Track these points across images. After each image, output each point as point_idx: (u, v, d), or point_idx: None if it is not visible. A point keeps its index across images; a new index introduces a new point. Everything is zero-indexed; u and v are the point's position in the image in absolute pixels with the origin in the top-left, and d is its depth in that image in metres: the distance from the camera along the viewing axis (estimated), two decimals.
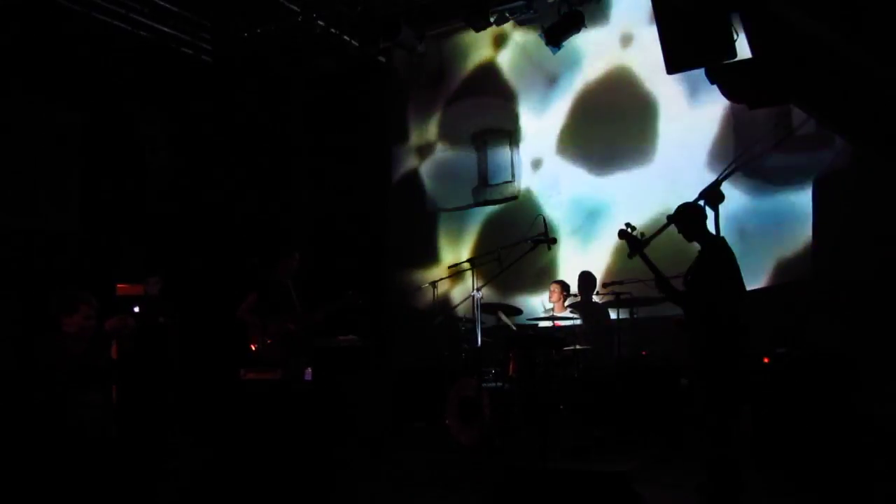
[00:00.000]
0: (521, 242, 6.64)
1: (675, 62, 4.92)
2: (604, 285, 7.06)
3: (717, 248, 4.70)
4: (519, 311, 7.51)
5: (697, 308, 4.64)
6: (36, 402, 4.34)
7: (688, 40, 4.79)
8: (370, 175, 9.62)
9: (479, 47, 9.16)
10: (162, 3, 8.00)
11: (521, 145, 8.82)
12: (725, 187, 7.11)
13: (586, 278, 7.46)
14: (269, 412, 6.09)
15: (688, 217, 4.84)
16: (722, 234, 6.50)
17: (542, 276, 8.14)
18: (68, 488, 4.22)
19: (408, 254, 9.47)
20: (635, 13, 7.95)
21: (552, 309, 7.28)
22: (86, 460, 4.38)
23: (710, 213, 6.62)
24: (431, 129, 9.51)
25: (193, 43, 8.64)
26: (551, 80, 8.64)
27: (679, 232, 4.85)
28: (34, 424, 4.31)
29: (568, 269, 8.00)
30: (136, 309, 7.19)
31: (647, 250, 4.86)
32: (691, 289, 4.71)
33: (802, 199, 7.03)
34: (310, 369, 6.72)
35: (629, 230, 4.96)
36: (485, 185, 9.06)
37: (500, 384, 6.62)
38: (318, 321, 6.69)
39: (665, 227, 4.91)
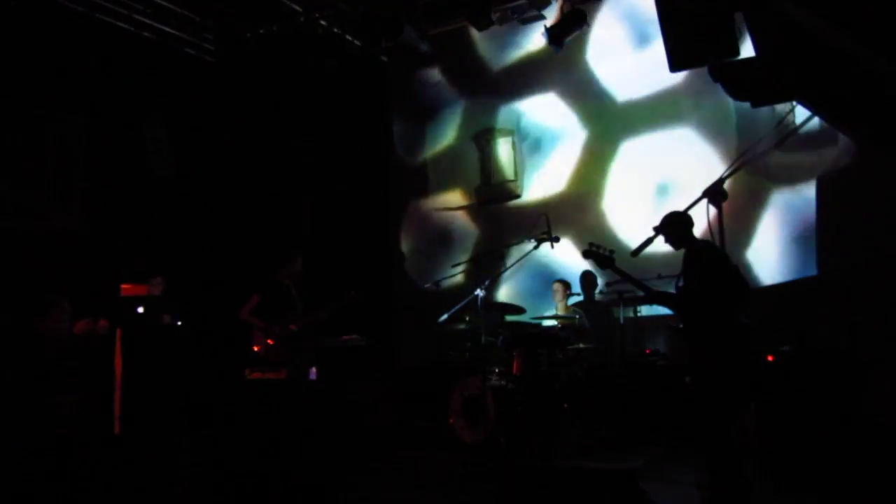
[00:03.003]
0: (524, 241, 6.65)
1: (678, 60, 4.91)
2: (607, 284, 7.07)
3: (707, 251, 4.79)
4: (522, 310, 7.51)
5: (694, 310, 4.67)
6: (9, 403, 4.38)
7: (691, 39, 4.78)
8: (373, 174, 9.62)
9: (481, 45, 9.16)
10: (164, 3, 8.01)
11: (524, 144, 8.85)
12: (728, 185, 7.16)
13: (588, 277, 7.46)
14: (274, 412, 6.10)
15: (674, 226, 4.89)
16: (724, 231, 6.53)
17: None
18: (38, 486, 4.25)
19: (411, 253, 9.48)
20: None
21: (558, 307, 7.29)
22: (58, 459, 4.42)
23: (712, 210, 6.66)
24: (434, 129, 9.51)
25: (196, 43, 8.65)
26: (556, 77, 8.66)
27: (666, 241, 4.92)
28: (7, 424, 4.35)
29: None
30: (140, 309, 7.20)
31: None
32: (685, 292, 4.74)
33: (806, 197, 7.03)
34: (314, 369, 6.74)
35: (594, 249, 5.11)
36: (487, 184, 9.06)
37: (504, 383, 6.62)
38: (321, 321, 6.71)
39: (652, 238, 4.98)
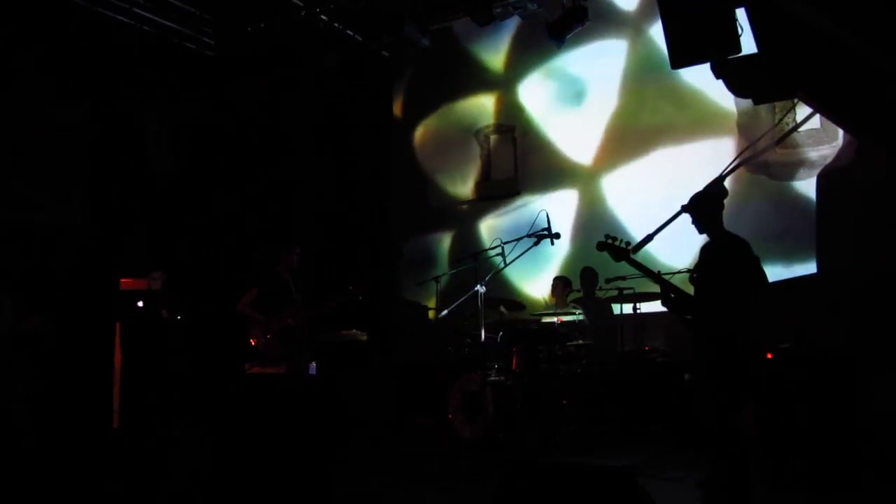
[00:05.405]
0: (524, 237, 6.64)
1: (679, 57, 4.89)
2: (606, 280, 7.05)
3: (741, 246, 4.47)
4: (522, 307, 7.51)
5: (710, 305, 4.49)
6: None
7: (693, 35, 4.76)
8: (373, 170, 9.61)
9: (482, 42, 9.13)
10: None
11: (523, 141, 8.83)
12: (728, 182, 7.13)
13: (588, 274, 7.45)
14: (273, 406, 6.10)
15: (704, 206, 4.57)
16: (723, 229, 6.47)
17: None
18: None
19: (410, 249, 9.48)
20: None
21: (554, 304, 7.28)
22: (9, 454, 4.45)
23: None
24: (434, 125, 9.50)
25: (196, 38, 8.64)
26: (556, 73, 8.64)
27: (693, 222, 4.60)
28: None
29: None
30: (140, 304, 7.20)
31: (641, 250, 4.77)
32: (705, 286, 4.57)
33: (806, 195, 7.02)
34: (314, 363, 6.74)
35: (608, 241, 4.81)
36: (488, 181, 9.05)
37: (503, 379, 6.62)
38: (319, 316, 6.70)
39: (677, 215, 4.70)
